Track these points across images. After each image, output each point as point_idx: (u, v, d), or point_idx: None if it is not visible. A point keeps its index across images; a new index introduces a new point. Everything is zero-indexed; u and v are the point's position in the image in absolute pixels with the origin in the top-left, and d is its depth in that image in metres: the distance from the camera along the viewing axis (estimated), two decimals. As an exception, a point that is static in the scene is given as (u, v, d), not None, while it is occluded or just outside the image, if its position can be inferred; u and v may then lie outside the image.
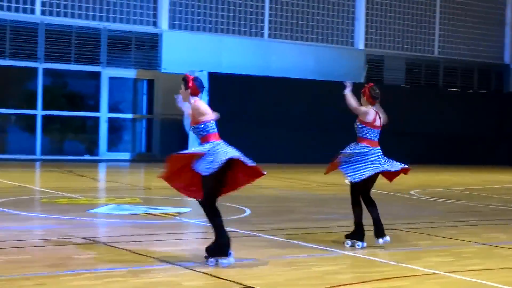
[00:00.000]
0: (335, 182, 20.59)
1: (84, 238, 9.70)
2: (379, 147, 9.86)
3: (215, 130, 8.38)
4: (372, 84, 10.11)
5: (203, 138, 8.34)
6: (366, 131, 9.83)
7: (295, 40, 31.07)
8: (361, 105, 9.90)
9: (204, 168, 8.11)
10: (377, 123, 9.88)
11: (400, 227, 11.72)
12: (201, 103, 8.36)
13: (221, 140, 8.35)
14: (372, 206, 9.89)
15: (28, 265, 7.95)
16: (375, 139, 9.84)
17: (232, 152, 8.21)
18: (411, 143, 30.52)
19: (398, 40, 33.40)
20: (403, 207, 15.14)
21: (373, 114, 9.85)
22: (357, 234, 9.86)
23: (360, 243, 9.80)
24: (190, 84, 8.44)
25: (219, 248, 8.19)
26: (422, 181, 22.03)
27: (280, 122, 28.40)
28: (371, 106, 9.89)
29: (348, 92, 9.87)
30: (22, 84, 27.72)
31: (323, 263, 8.64)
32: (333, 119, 28.82)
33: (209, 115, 8.24)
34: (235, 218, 12.25)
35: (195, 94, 8.45)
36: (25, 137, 27.14)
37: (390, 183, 10.49)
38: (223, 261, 8.15)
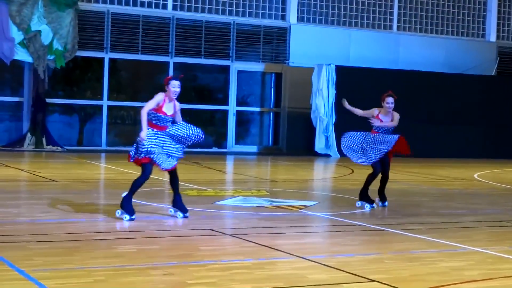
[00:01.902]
0: (463, 177, 20.22)
1: (210, 229, 9.86)
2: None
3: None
4: (391, 91, 13.00)
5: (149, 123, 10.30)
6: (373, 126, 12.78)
7: (424, 33, 30.66)
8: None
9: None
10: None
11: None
12: (155, 97, 10.26)
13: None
14: None
15: (157, 255, 8.15)
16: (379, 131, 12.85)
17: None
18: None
19: (532, 31, 32.48)
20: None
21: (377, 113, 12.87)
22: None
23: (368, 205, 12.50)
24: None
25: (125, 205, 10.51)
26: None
27: (408, 115, 27.97)
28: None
29: (347, 106, 12.83)
30: (153, 78, 28.37)
31: (449, 258, 8.51)
32: (461, 112, 28.33)
33: (145, 107, 10.23)
34: (362, 211, 12.22)
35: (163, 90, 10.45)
36: (156, 130, 27.74)
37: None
38: (125, 215, 10.38)
